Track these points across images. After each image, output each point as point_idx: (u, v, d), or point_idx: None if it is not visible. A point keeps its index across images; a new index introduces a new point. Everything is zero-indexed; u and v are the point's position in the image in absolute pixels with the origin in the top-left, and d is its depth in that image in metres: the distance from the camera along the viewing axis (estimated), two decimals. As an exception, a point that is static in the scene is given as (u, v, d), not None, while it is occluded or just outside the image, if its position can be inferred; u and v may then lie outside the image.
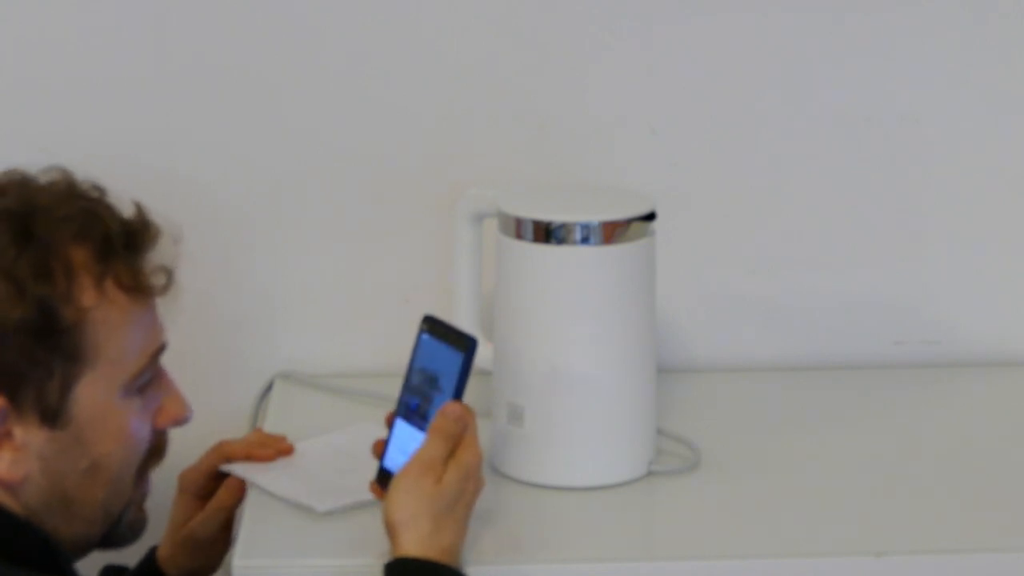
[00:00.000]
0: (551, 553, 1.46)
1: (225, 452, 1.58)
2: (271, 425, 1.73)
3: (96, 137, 1.79)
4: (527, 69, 1.83)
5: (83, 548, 1.42)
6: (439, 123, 1.84)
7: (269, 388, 1.84)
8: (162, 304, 1.44)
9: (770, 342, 1.91)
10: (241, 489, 1.56)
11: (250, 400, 1.83)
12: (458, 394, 1.41)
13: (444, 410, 1.40)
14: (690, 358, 1.89)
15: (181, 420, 1.46)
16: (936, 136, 1.87)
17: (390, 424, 1.46)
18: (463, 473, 1.38)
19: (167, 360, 1.47)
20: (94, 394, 1.35)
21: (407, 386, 1.45)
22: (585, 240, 1.53)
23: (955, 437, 1.73)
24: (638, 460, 1.59)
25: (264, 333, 1.87)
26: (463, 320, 1.70)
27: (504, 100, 1.83)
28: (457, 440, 1.39)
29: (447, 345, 1.42)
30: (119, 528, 1.43)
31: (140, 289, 1.37)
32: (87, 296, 1.33)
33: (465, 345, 1.40)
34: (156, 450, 1.45)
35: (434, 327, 1.44)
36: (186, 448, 1.87)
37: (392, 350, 1.77)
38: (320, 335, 1.88)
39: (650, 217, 1.56)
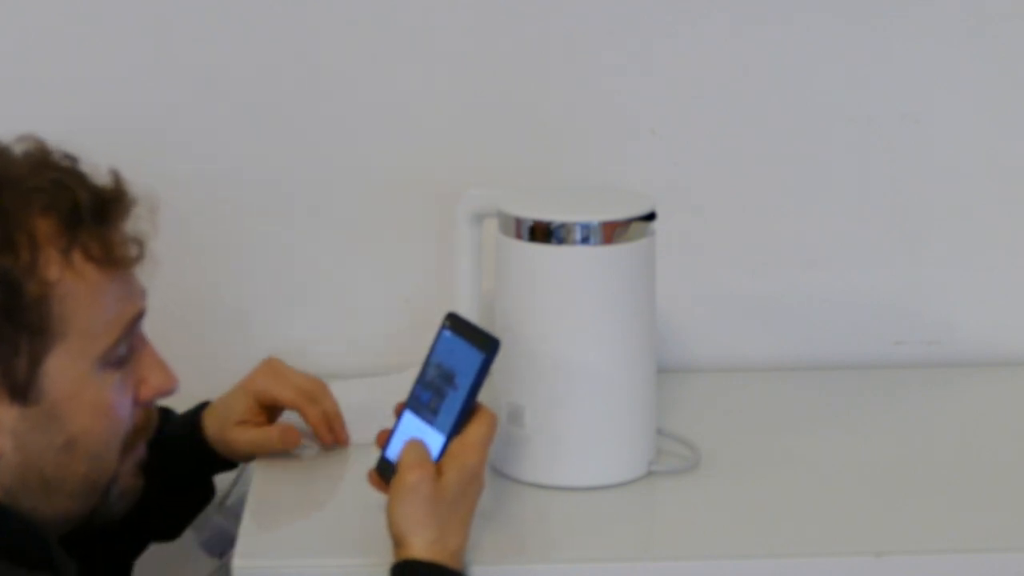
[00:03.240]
0: (551, 553, 1.46)
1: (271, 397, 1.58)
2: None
3: (96, 136, 1.78)
4: (527, 69, 1.83)
5: (69, 522, 1.40)
6: (439, 123, 1.84)
7: (269, 388, 1.84)
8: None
9: (770, 342, 1.91)
10: (295, 441, 1.57)
11: (250, 400, 1.83)
12: (473, 393, 1.41)
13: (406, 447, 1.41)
14: (690, 358, 1.90)
15: (165, 391, 1.42)
16: (936, 136, 1.87)
17: (399, 415, 1.46)
18: (466, 475, 1.38)
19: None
20: (66, 368, 1.32)
21: (421, 380, 1.45)
22: (585, 240, 1.53)
23: (955, 437, 1.73)
24: (638, 460, 1.59)
25: (264, 333, 1.87)
26: (463, 320, 1.70)
27: (504, 100, 1.83)
28: (421, 445, 1.40)
29: (468, 344, 1.42)
30: (108, 500, 1.40)
31: (110, 260, 1.34)
32: (52, 269, 1.30)
33: (488, 346, 1.41)
34: (143, 423, 1.42)
35: (456, 324, 1.44)
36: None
37: (392, 350, 1.78)
38: (320, 335, 1.88)
39: (650, 217, 1.56)
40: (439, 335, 1.45)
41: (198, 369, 1.85)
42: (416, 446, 1.40)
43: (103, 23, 1.79)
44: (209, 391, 1.85)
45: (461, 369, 1.42)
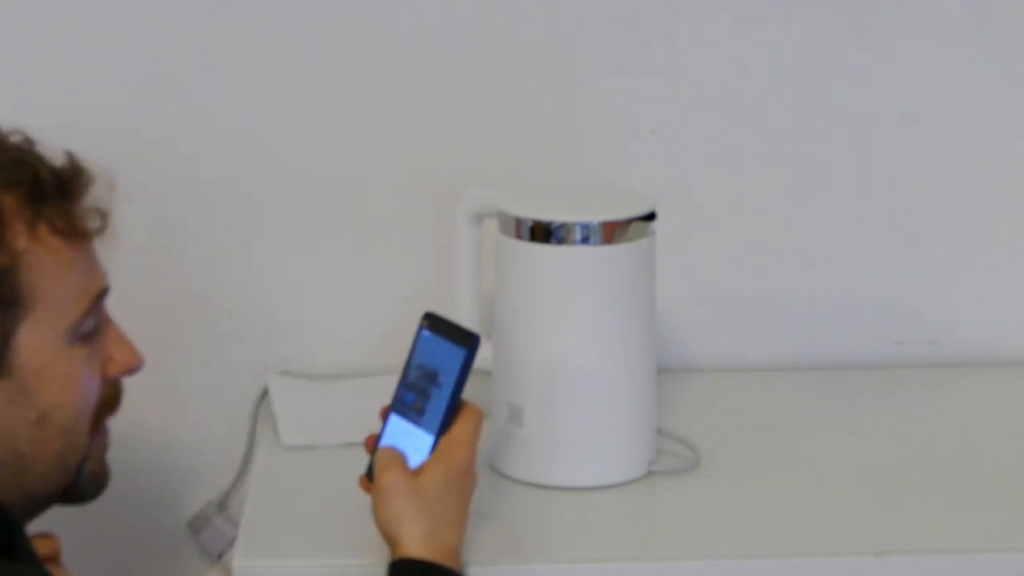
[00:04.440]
0: (551, 553, 1.46)
1: None
2: (270, 425, 1.73)
3: (94, 137, 1.79)
4: (527, 69, 1.83)
5: (40, 505, 1.39)
6: (439, 123, 1.84)
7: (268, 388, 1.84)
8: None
9: (770, 342, 1.91)
10: None
11: (249, 399, 1.83)
12: (458, 390, 1.40)
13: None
14: (690, 358, 1.89)
15: (131, 368, 1.43)
16: (936, 136, 1.87)
17: (384, 418, 1.46)
18: (453, 471, 1.38)
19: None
20: (37, 340, 1.32)
21: (404, 382, 1.45)
22: (585, 240, 1.53)
23: (955, 437, 1.73)
24: (638, 460, 1.59)
25: (263, 333, 1.87)
26: (463, 320, 1.70)
27: (504, 99, 1.83)
28: (388, 450, 1.40)
29: (448, 341, 1.42)
30: (79, 482, 1.40)
31: (74, 232, 1.34)
32: (20, 241, 1.31)
33: (468, 342, 1.40)
34: (110, 400, 1.42)
35: (435, 323, 1.44)
36: (188, 442, 1.88)
37: (392, 350, 1.77)
38: (320, 335, 1.88)
39: (650, 217, 1.56)
40: (418, 335, 1.45)
41: (198, 369, 1.86)
42: (386, 450, 1.41)
43: (103, 23, 1.79)
44: (209, 391, 1.86)
45: (444, 367, 1.41)
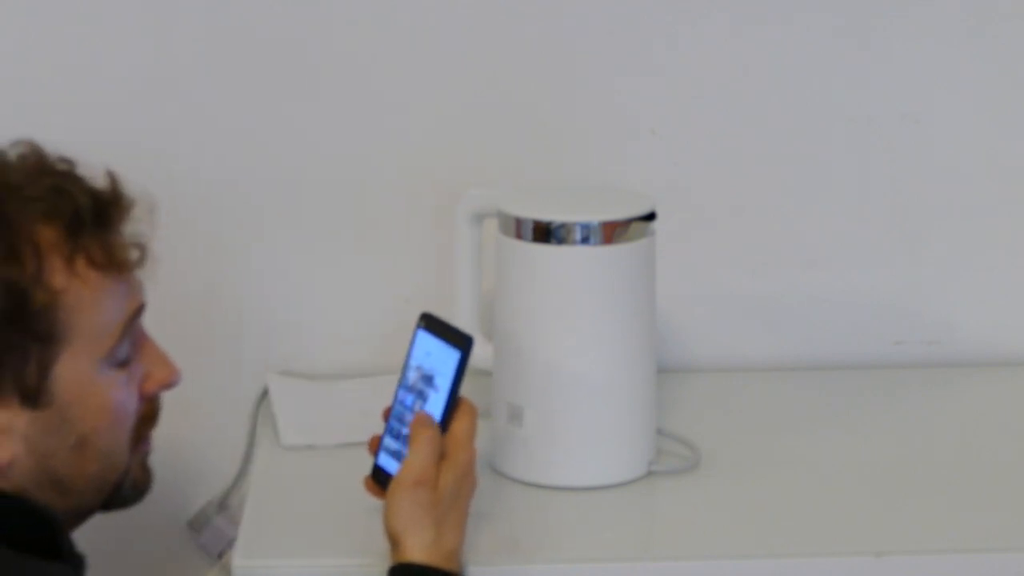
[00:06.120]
0: (551, 553, 1.46)
1: None
2: (270, 425, 1.73)
3: (95, 138, 1.79)
4: (527, 69, 1.83)
5: (82, 516, 1.41)
6: (439, 123, 1.84)
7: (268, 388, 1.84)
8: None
9: (770, 342, 1.91)
10: None
11: (250, 400, 1.83)
12: (454, 392, 1.40)
13: (416, 420, 1.40)
14: (690, 358, 1.90)
15: (168, 383, 1.44)
16: (936, 136, 1.87)
17: (386, 420, 1.46)
18: (460, 472, 1.38)
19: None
20: (74, 371, 1.33)
21: (403, 383, 1.45)
22: (585, 240, 1.53)
23: (955, 437, 1.73)
24: (638, 460, 1.59)
25: (263, 333, 1.87)
26: (463, 320, 1.70)
27: (504, 99, 1.83)
28: (437, 441, 1.39)
29: (444, 342, 1.42)
30: (122, 492, 1.42)
31: (112, 265, 1.35)
32: (58, 277, 1.31)
33: (463, 343, 1.40)
34: (149, 415, 1.44)
35: (431, 324, 1.44)
36: (188, 442, 1.88)
37: (391, 350, 1.77)
38: (320, 335, 1.88)
39: (650, 217, 1.56)
40: (415, 336, 1.45)
41: (198, 370, 1.86)
42: (427, 445, 1.38)
43: (103, 23, 1.79)
44: (210, 392, 1.86)
45: (440, 370, 1.41)
